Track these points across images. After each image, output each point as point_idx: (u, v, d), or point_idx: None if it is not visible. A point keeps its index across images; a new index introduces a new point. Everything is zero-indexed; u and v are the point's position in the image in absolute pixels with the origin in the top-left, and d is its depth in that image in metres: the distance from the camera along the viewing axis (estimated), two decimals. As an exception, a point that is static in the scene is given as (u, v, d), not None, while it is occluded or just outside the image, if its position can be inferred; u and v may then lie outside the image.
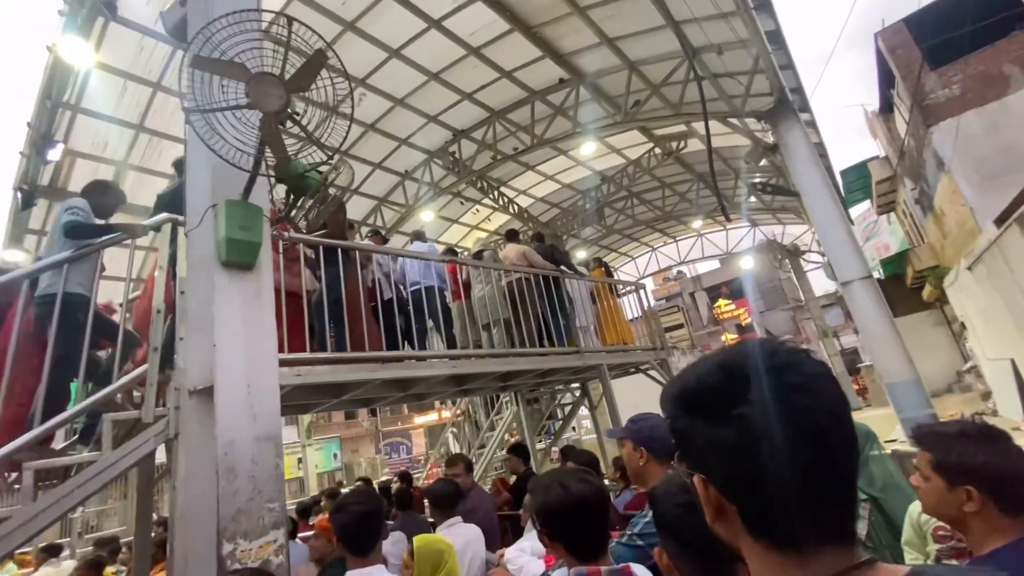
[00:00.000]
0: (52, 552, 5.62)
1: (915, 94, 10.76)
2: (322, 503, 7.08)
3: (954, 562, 1.56)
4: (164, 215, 2.98)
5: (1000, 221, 7.62)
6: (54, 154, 6.55)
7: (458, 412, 10.36)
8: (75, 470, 2.45)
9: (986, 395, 12.11)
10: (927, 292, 15.78)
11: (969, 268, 9.98)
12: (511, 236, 6.33)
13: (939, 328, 16.98)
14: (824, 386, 0.57)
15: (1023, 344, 8.39)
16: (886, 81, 12.97)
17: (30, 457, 2.31)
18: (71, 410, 2.41)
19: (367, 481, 8.71)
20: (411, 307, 4.29)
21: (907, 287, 16.58)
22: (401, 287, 4.81)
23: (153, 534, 4.15)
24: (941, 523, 1.42)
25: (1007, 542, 1.09)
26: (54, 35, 5.61)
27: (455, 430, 10.10)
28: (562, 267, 6.09)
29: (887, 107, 14.23)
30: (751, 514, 0.57)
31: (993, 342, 10.62)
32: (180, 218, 2.90)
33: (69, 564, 5.52)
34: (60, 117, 6.51)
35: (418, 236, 5.82)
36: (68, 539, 7.69)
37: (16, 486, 2.83)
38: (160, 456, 3.14)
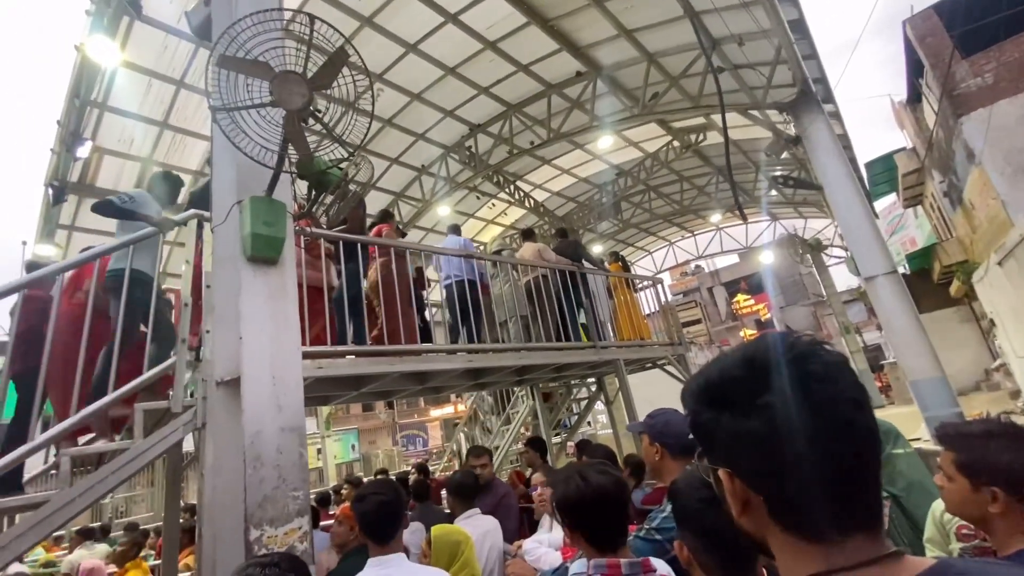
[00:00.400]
0: (86, 535, 5.84)
1: (945, 83, 10.43)
2: (343, 491, 7.23)
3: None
4: (191, 211, 3.06)
5: (1033, 214, 7.38)
6: (83, 151, 6.74)
7: (467, 416, 10.43)
8: (108, 457, 2.54)
9: (1015, 393, 11.77)
10: (955, 288, 15.34)
11: (1000, 263, 9.69)
12: (527, 235, 6.38)
13: (967, 325, 16.52)
14: (845, 375, 0.58)
15: (1056, 342, 8.13)
16: (914, 70, 12.59)
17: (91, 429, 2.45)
18: (112, 395, 2.51)
19: (385, 472, 8.86)
20: (445, 300, 4.53)
21: (934, 283, 16.14)
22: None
23: (180, 520, 4.28)
24: (965, 522, 1.40)
25: (1032, 544, 1.08)
26: (81, 35, 5.77)
27: (466, 430, 10.19)
28: (584, 262, 6.13)
29: (915, 97, 13.82)
30: (778, 505, 0.57)
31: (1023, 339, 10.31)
32: (206, 214, 2.97)
33: (101, 547, 5.73)
34: (88, 115, 6.69)
35: (453, 230, 5.86)
36: (100, 523, 7.98)
37: (53, 472, 2.96)
38: (187, 445, 3.24)
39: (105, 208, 2.98)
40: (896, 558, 0.54)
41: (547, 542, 2.29)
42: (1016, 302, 9.71)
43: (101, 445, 2.64)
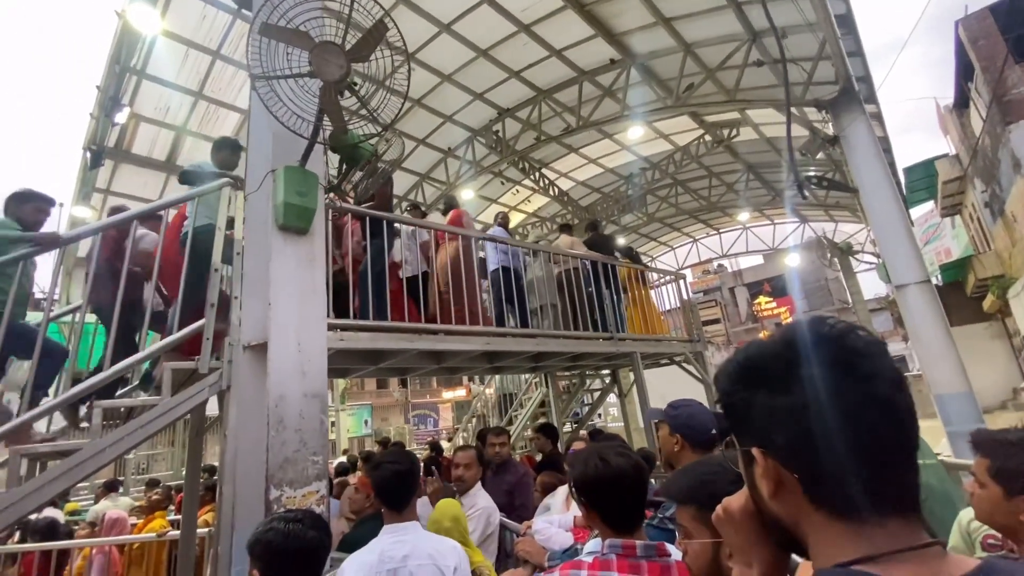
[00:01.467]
0: (111, 487, 6.08)
1: (996, 89, 9.99)
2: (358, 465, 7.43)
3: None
4: (224, 179, 3.12)
5: (1080, 230, 7.06)
6: (120, 117, 6.89)
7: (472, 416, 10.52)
8: (137, 412, 2.64)
9: (1045, 415, 11.40)
10: (988, 302, 14.85)
11: (1039, 279, 9.33)
12: (564, 229, 6.59)
13: (997, 341, 16.00)
14: (884, 353, 0.58)
15: (1093, 364, 7.82)
16: (964, 73, 12.07)
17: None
18: (144, 351, 2.59)
19: (386, 444, 8.98)
20: (491, 286, 4.97)
21: (966, 295, 15.66)
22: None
23: (201, 479, 4.43)
24: (991, 531, 1.37)
25: (1066, 556, 1.05)
26: (123, 1, 5.87)
27: (472, 423, 10.29)
28: (617, 255, 6.29)
29: (962, 102, 13.27)
30: (813, 482, 0.56)
31: (1058, 359, 9.94)
32: (239, 178, 3.02)
33: (125, 500, 5.98)
34: (127, 82, 6.83)
35: (500, 219, 6.14)
36: (123, 478, 8.32)
37: (84, 424, 3.09)
38: (211, 408, 3.35)
39: (185, 178, 3.29)
40: (938, 550, 0.53)
41: (557, 523, 2.31)
42: (1054, 320, 9.36)
43: (131, 400, 2.74)
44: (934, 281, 14.45)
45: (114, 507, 5.43)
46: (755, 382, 0.61)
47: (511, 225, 13.63)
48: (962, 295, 15.77)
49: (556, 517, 2.38)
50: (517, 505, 3.27)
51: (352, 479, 4.11)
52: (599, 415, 13.30)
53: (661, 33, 7.84)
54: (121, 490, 6.48)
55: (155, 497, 4.97)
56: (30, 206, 2.95)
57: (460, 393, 25.91)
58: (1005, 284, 12.88)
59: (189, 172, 3.34)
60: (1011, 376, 15.66)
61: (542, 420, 7.33)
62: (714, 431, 1.70)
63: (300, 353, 2.12)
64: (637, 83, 8.94)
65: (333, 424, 18.21)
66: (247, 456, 2.29)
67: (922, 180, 14.83)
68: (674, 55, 8.26)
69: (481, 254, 5.26)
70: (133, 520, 5.04)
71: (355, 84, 2.34)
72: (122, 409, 2.99)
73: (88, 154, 7.30)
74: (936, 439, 7.60)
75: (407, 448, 9.35)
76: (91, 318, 3.41)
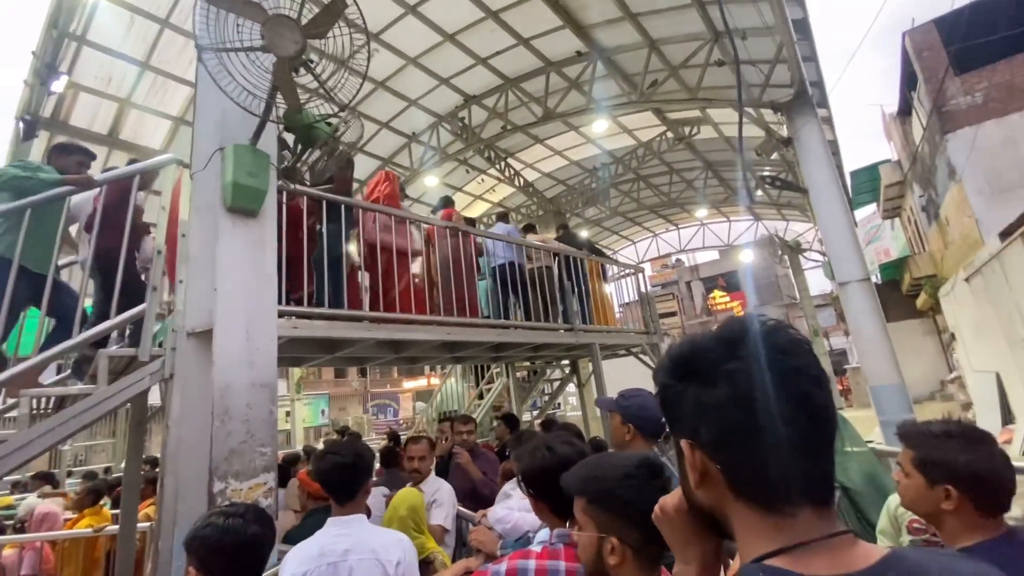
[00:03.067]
0: (45, 479, 5.73)
1: (936, 99, 10.60)
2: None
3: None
4: (169, 155, 2.95)
5: (1005, 235, 7.63)
6: (57, 85, 6.40)
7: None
8: (70, 401, 2.48)
9: (967, 406, 12.33)
10: (921, 300, 15.88)
11: (967, 280, 10.02)
12: (529, 228, 6.75)
13: (929, 337, 17.17)
14: (808, 353, 0.61)
15: (1012, 359, 8.50)
16: (908, 83, 12.75)
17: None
18: (73, 340, 2.43)
19: (344, 432, 8.65)
20: (497, 280, 5.23)
21: (903, 293, 16.69)
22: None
23: (143, 471, 4.23)
24: (916, 516, 1.46)
25: (978, 541, 1.13)
26: (62, -40, 5.43)
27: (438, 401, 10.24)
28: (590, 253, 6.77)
29: (906, 110, 14.04)
30: (734, 473, 0.59)
31: (981, 355, 10.75)
32: (184, 160, 2.87)
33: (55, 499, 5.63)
34: (65, 48, 6.34)
35: (501, 217, 6.41)
36: (58, 470, 7.84)
37: (11, 413, 2.88)
38: (152, 398, 3.18)
39: None
40: (848, 539, 0.56)
41: (518, 507, 2.32)
42: (978, 318, 10.10)
43: (62, 388, 2.57)
44: (874, 279, 15.34)
45: (46, 501, 5.13)
46: (686, 376, 0.64)
47: (475, 214, 13.56)
48: (899, 293, 16.80)
49: (516, 502, 2.38)
50: (487, 493, 3.28)
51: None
52: (559, 404, 13.50)
53: (627, 28, 7.90)
54: (55, 483, 6.10)
55: (76, 497, 4.56)
56: (73, 158, 3.14)
57: (421, 383, 25.71)
58: (937, 284, 13.79)
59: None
60: (939, 369, 16.86)
61: (504, 410, 7.38)
62: (663, 420, 1.73)
63: (248, 341, 2.04)
64: (603, 76, 9.00)
65: (288, 414, 17.74)
66: (191, 447, 2.20)
67: (867, 183, 15.64)
68: (639, 51, 8.35)
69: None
70: (68, 515, 4.77)
71: (311, 61, 2.25)
72: (53, 398, 2.81)
73: (21, 124, 6.75)
74: (870, 427, 8.13)
75: (363, 438, 9.21)
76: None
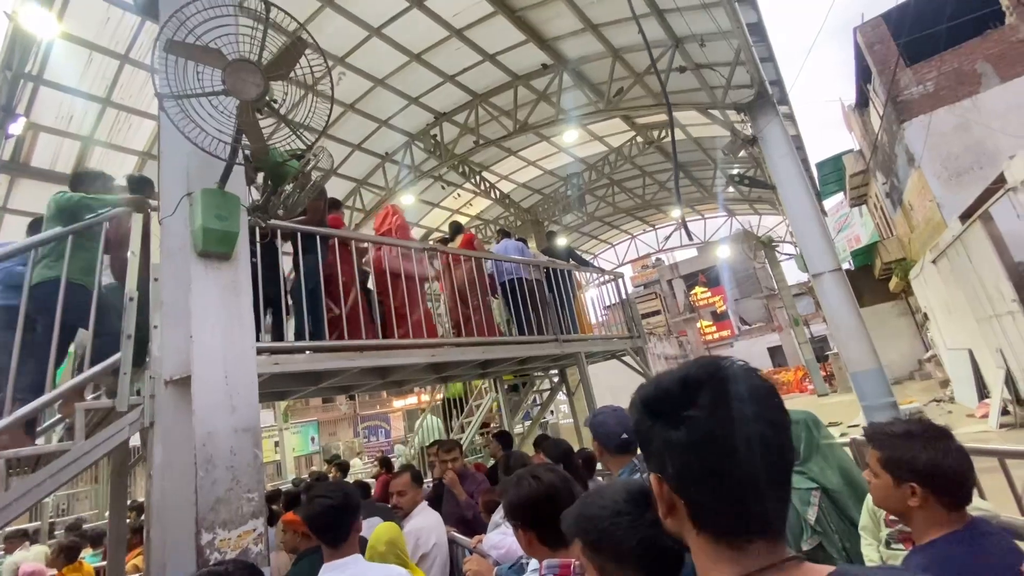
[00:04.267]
0: (23, 537, 5.53)
1: (890, 90, 11.00)
2: (330, 475, 7.15)
3: (901, 546, 1.68)
4: (135, 197, 2.92)
5: (965, 217, 7.92)
6: (15, 128, 6.27)
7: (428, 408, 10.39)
8: (47, 459, 2.42)
9: (944, 383, 12.70)
10: (893, 283, 16.33)
11: (933, 262, 10.37)
12: (504, 234, 6.82)
13: (903, 318, 17.65)
14: (766, 398, 0.65)
15: (981, 336, 8.80)
16: (863, 76, 13.20)
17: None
18: (48, 395, 2.38)
19: (334, 464, 8.34)
20: (508, 295, 5.44)
21: (875, 278, 17.14)
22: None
23: (128, 519, 4.12)
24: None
25: (944, 534, 1.19)
26: (13, 2, 5.34)
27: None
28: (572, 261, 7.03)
29: (863, 102, 14.51)
30: (695, 508, 0.64)
31: (953, 333, 11.10)
32: (153, 203, 2.84)
33: (38, 548, 5.44)
34: (22, 89, 6.22)
35: (505, 234, 6.56)
36: (38, 523, 7.56)
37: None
38: (134, 439, 3.11)
39: None
40: (796, 563, 0.61)
41: (512, 533, 2.32)
42: (947, 298, 10.44)
43: (37, 448, 2.50)
44: (847, 266, 15.75)
45: (26, 558, 4.95)
46: (654, 415, 0.68)
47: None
48: (871, 278, 17.25)
49: (509, 528, 2.38)
50: (470, 516, 3.26)
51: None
52: (551, 412, 13.49)
53: (590, 39, 8.06)
54: (33, 538, 5.88)
55: (50, 556, 4.32)
56: (98, 183, 3.24)
57: (411, 401, 25.45)
58: (906, 267, 14.21)
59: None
60: (916, 349, 17.33)
61: (495, 427, 7.36)
62: (625, 435, 1.76)
63: (228, 386, 2.02)
64: (570, 87, 9.15)
65: (277, 445, 17.38)
66: (175, 497, 2.16)
67: (832, 174, 16.09)
68: (603, 60, 8.52)
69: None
70: (53, 571, 4.61)
71: (275, 101, 2.26)
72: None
73: (-22, 169, 6.60)
74: (855, 412, 8.31)
75: (346, 462, 9.07)
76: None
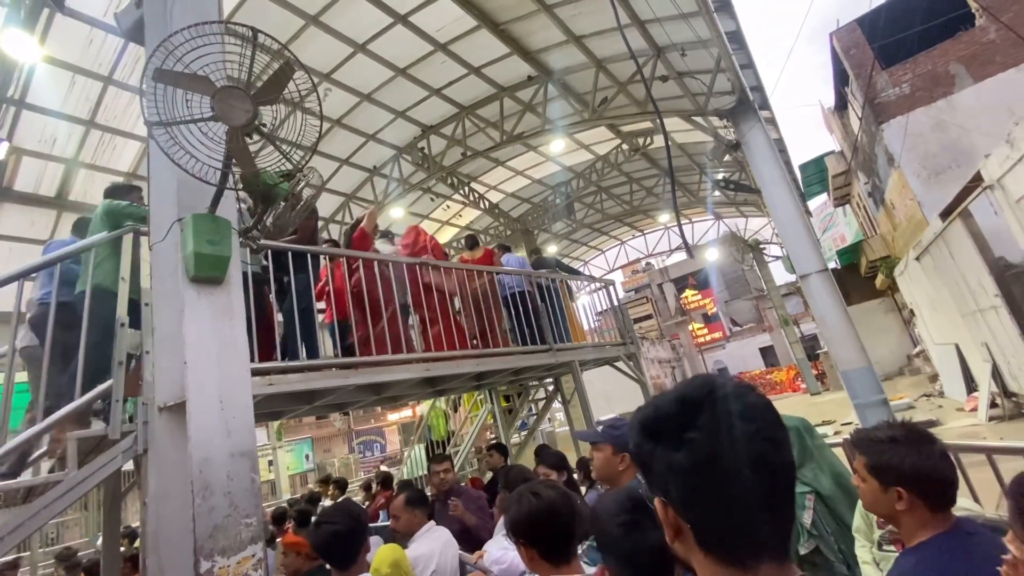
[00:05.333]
0: (13, 568, 5.40)
1: (867, 92, 11.24)
2: (329, 492, 7.07)
3: (893, 547, 1.71)
4: (128, 226, 2.92)
5: (945, 215, 8.08)
6: (-2, 152, 6.22)
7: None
8: (39, 491, 2.39)
9: (933, 378, 12.87)
10: (879, 281, 16.57)
11: (917, 259, 10.55)
12: (503, 250, 6.95)
13: (891, 315, 17.90)
14: (764, 415, 0.65)
15: (966, 330, 8.95)
16: (841, 79, 13.48)
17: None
18: (45, 421, 2.36)
19: (331, 483, 8.18)
20: (511, 307, 5.69)
21: (861, 276, 17.38)
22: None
23: (122, 547, 4.05)
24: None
25: (932, 536, 1.22)
26: (-6, 27, 5.31)
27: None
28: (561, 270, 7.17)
29: (842, 104, 14.80)
30: (701, 532, 0.63)
31: (939, 328, 11.27)
32: (143, 228, 2.84)
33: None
34: (3, 114, 6.18)
35: (505, 249, 6.88)
36: (27, 552, 7.39)
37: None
38: (127, 464, 3.08)
39: None
40: None
41: (512, 546, 2.31)
42: (932, 294, 10.61)
43: (29, 480, 2.47)
44: (833, 265, 15.98)
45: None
46: (654, 438, 0.67)
47: (443, 240, 13.60)
48: (858, 276, 17.51)
49: (509, 541, 2.38)
50: (486, 536, 3.23)
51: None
52: (548, 420, 13.47)
53: (573, 50, 8.18)
54: (26, 568, 5.74)
55: None
56: (133, 195, 3.41)
57: (406, 414, 25.27)
58: (891, 264, 14.44)
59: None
60: (904, 345, 17.57)
61: (492, 439, 7.34)
62: None
63: (223, 411, 2.01)
64: (555, 98, 9.26)
65: (271, 464, 17.16)
66: (171, 524, 2.13)
67: (815, 175, 16.36)
68: (587, 70, 8.64)
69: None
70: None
71: (264, 126, 2.28)
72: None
73: (-40, 195, 6.52)
74: (847, 410, 8.39)
75: (354, 478, 8.99)
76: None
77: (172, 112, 2.05)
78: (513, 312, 5.66)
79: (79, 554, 6.15)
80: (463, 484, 4.32)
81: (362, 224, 4.50)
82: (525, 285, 5.96)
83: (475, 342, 4.98)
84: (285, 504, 7.32)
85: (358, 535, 1.77)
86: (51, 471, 2.81)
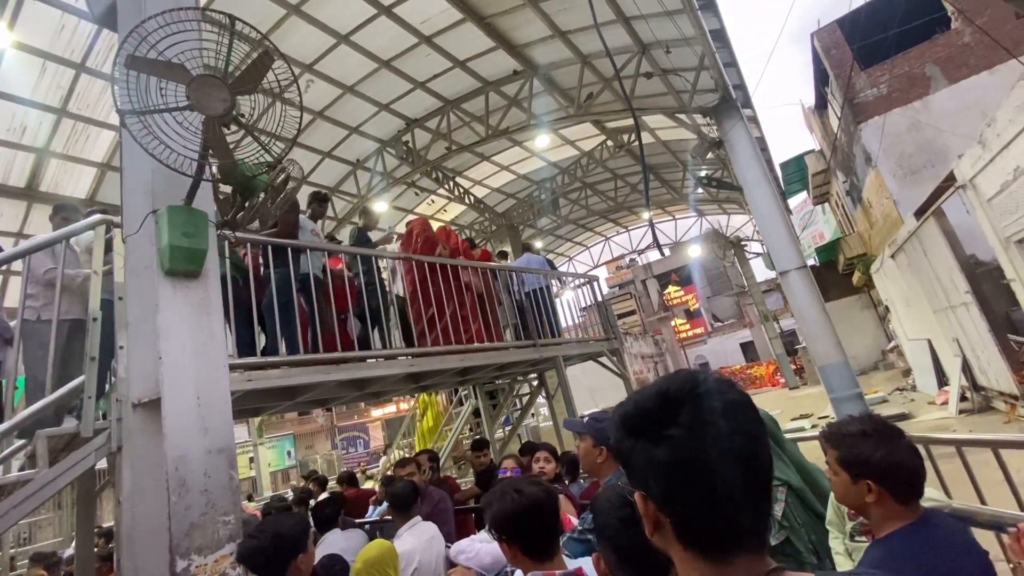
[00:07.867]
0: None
1: (846, 92, 11.43)
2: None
3: (864, 538, 1.76)
4: (97, 216, 2.84)
5: (919, 213, 8.28)
6: (-37, 141, 5.99)
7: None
8: (8, 490, 2.32)
9: (906, 372, 13.22)
10: (856, 278, 16.94)
11: (892, 256, 10.80)
12: (527, 248, 7.35)
13: (867, 311, 18.32)
14: (743, 412, 0.66)
15: (938, 326, 9.20)
16: (821, 79, 13.69)
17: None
18: (13, 419, 2.28)
19: (312, 480, 8.17)
20: (531, 304, 5.94)
21: (839, 273, 17.75)
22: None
23: (96, 547, 3.96)
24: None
25: (900, 527, 1.26)
26: (-41, 11, 5.12)
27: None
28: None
29: (822, 104, 15.04)
30: (680, 525, 0.65)
31: (912, 324, 11.58)
32: (115, 219, 2.76)
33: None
34: (-31, 101, 5.96)
35: (528, 248, 7.18)
36: (-3, 554, 7.17)
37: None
38: (100, 463, 3.01)
39: None
40: (778, 572, 0.62)
41: (479, 539, 2.33)
42: (906, 291, 10.89)
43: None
44: (812, 262, 16.26)
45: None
46: (634, 433, 0.68)
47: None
48: (836, 273, 17.87)
49: (485, 534, 2.38)
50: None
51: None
52: (532, 415, 13.52)
53: (559, 45, 8.16)
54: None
55: None
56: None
57: (390, 410, 25.15)
58: (868, 262, 14.76)
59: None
60: (879, 340, 18.01)
61: (475, 435, 7.34)
62: None
63: (200, 407, 1.97)
64: (541, 93, 9.23)
65: (252, 460, 16.94)
66: (147, 523, 2.09)
67: (795, 173, 16.61)
68: (573, 66, 8.63)
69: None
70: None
71: (242, 116, 2.23)
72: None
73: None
74: (824, 404, 8.58)
75: (335, 475, 8.89)
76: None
77: (146, 101, 2.00)
78: (532, 309, 5.93)
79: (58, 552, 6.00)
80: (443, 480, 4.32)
81: (428, 234, 5.12)
82: (543, 282, 6.31)
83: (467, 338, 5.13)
84: (282, 501, 7.17)
85: (281, 551, 1.76)
86: (21, 469, 2.73)
